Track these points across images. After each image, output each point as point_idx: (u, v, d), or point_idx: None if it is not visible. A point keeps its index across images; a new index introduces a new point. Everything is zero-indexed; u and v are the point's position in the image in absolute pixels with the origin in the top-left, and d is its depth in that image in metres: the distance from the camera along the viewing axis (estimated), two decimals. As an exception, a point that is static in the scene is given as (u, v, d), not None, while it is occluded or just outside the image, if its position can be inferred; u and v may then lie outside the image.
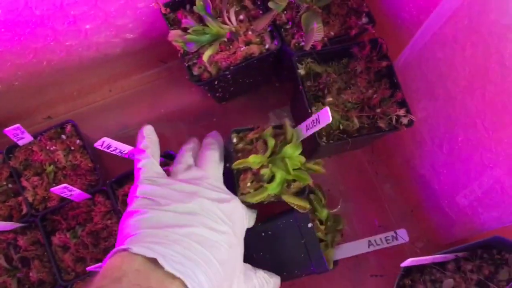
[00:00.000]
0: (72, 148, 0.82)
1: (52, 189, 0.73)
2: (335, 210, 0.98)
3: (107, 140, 0.67)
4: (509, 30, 0.55)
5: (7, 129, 0.77)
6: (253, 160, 0.70)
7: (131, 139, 0.73)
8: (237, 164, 0.70)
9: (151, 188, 0.59)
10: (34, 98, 0.96)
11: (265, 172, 0.71)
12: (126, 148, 0.70)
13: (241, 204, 0.67)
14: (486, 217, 0.73)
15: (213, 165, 0.69)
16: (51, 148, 0.82)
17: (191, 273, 0.44)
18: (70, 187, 0.73)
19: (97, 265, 0.70)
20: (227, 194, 0.65)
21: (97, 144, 0.67)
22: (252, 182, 0.73)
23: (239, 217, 0.64)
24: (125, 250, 0.45)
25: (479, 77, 0.64)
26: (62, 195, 0.75)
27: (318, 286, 0.90)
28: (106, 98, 1.00)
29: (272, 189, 0.71)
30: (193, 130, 0.95)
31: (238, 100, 0.98)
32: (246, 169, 0.74)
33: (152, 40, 0.92)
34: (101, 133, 0.74)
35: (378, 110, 0.76)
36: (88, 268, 0.70)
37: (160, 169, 0.66)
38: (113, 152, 0.70)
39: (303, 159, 0.72)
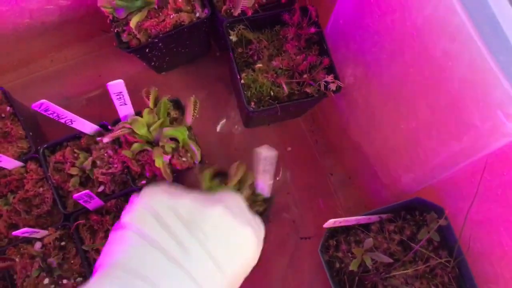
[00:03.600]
0: (3, 115, 0.81)
1: (-20, 156, 0.72)
2: (277, 178, 1.00)
3: (45, 103, 0.66)
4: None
5: None
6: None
7: (71, 110, 0.72)
8: None
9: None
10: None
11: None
12: (65, 114, 0.70)
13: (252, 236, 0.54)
14: (405, 180, 0.75)
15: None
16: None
17: None
18: (-1, 154, 0.72)
19: (24, 229, 0.70)
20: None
21: (35, 106, 0.66)
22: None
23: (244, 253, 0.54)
24: None
25: (402, 42, 0.64)
26: (-9, 162, 0.74)
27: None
28: (47, 68, 0.99)
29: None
30: (135, 99, 0.95)
31: (179, 70, 0.98)
32: None
33: (89, 8, 0.90)
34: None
35: (305, 76, 0.77)
36: (14, 233, 0.70)
37: None
38: (51, 116, 0.70)
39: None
